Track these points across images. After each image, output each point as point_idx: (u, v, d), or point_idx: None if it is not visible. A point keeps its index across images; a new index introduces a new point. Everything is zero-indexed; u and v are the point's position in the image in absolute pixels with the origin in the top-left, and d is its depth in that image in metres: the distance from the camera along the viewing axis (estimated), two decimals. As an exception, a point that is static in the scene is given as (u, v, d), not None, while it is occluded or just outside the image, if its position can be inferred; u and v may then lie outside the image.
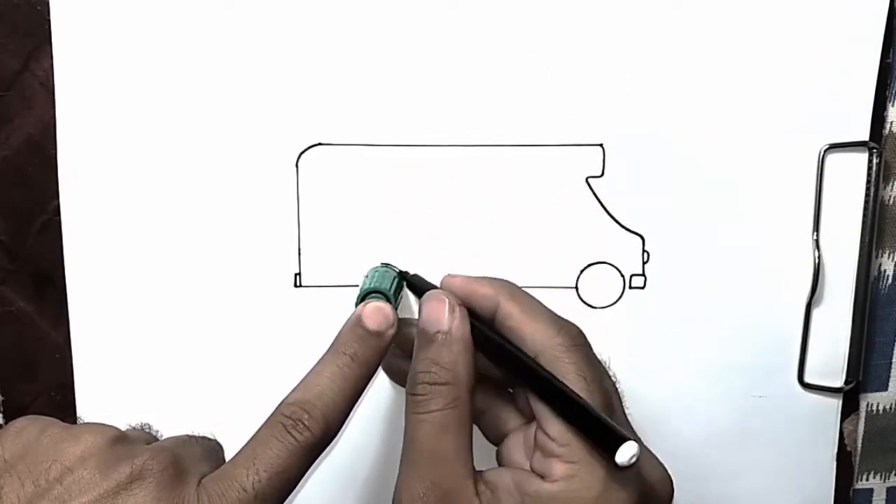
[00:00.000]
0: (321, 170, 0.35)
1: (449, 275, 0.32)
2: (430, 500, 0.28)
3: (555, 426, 0.27)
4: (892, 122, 0.35)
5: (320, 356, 0.30)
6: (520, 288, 0.31)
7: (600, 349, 0.36)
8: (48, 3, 0.34)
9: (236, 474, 0.27)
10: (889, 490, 0.40)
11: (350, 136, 0.35)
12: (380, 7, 0.34)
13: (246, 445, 0.28)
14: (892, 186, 0.36)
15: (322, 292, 0.36)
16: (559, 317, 0.30)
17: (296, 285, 0.36)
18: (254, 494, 0.27)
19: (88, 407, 0.37)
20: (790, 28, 0.34)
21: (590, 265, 0.36)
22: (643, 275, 0.36)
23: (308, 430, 0.28)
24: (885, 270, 0.37)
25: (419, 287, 0.33)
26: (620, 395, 0.31)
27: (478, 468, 0.29)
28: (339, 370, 0.29)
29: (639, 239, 0.36)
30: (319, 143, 0.35)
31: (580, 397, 0.27)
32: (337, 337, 0.31)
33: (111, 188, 0.36)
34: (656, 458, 0.29)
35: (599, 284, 0.36)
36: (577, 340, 0.29)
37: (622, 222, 0.36)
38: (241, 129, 0.35)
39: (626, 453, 0.25)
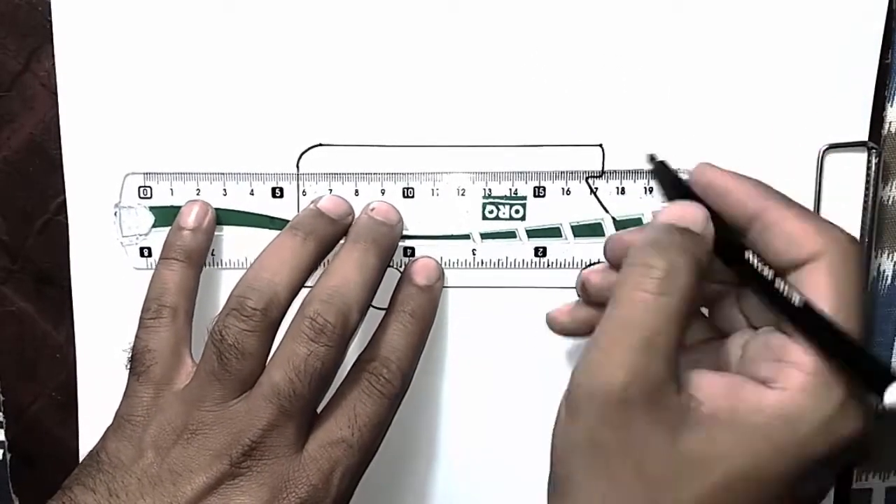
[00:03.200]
0: (322, 170, 0.35)
1: (705, 163, 0.29)
2: (632, 392, 0.25)
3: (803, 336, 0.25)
4: (891, 123, 0.35)
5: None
6: (788, 197, 0.28)
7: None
8: (49, 4, 0.34)
9: (340, 433, 0.30)
10: (888, 490, 0.40)
11: (351, 137, 0.35)
12: (380, 8, 0.34)
13: (339, 402, 0.31)
14: (892, 187, 0.36)
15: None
16: (839, 227, 0.26)
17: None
18: (357, 448, 0.30)
19: (91, 407, 0.37)
20: (789, 28, 0.34)
21: (589, 265, 0.36)
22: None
23: (390, 383, 0.32)
24: (884, 270, 0.37)
25: (666, 180, 0.30)
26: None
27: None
28: (403, 327, 0.33)
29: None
30: (320, 144, 0.35)
31: (830, 320, 0.24)
32: (393, 295, 0.34)
33: (115, 188, 0.36)
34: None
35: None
36: (858, 254, 0.26)
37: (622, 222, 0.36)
38: (241, 129, 0.35)
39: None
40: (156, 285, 0.33)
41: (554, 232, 0.36)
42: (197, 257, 0.34)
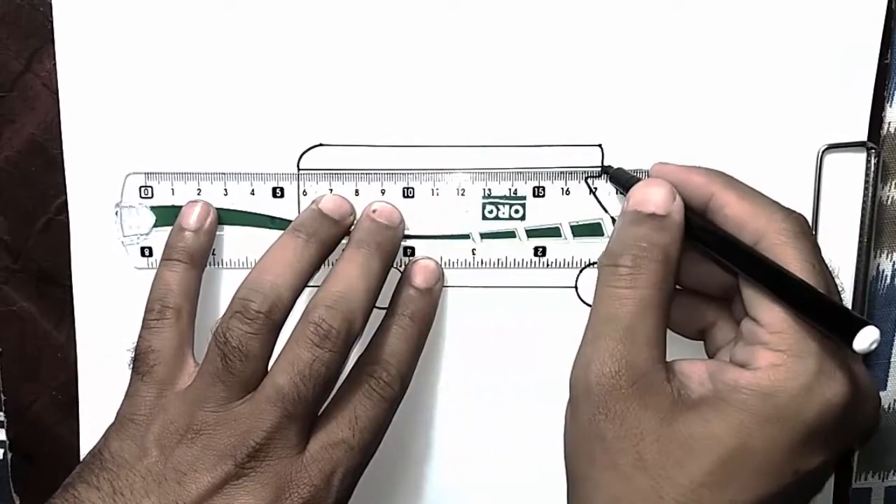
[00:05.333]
0: (322, 170, 0.35)
1: (660, 162, 0.31)
2: (622, 380, 0.26)
3: (768, 312, 0.26)
4: (890, 123, 0.35)
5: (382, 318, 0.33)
6: (734, 177, 0.30)
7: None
8: (50, 4, 0.34)
9: (341, 434, 0.31)
10: (887, 489, 0.40)
11: (351, 137, 0.35)
12: (380, 8, 0.34)
13: (340, 404, 0.32)
14: (891, 187, 0.36)
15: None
16: (782, 204, 0.28)
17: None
18: (357, 449, 0.31)
19: (92, 406, 0.38)
20: (789, 28, 0.34)
21: (589, 265, 0.36)
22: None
23: (389, 386, 0.32)
24: (883, 270, 0.37)
25: (623, 180, 0.32)
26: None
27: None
28: (402, 330, 0.33)
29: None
30: (321, 144, 0.35)
31: (806, 283, 0.25)
32: (393, 297, 0.34)
33: (116, 188, 0.36)
34: (867, 371, 0.27)
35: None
36: (805, 228, 0.27)
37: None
38: (242, 129, 0.35)
39: (866, 338, 0.22)
40: (158, 286, 0.33)
41: (553, 232, 0.36)
42: (199, 258, 0.34)
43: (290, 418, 0.30)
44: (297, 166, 0.35)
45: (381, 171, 0.35)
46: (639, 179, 0.31)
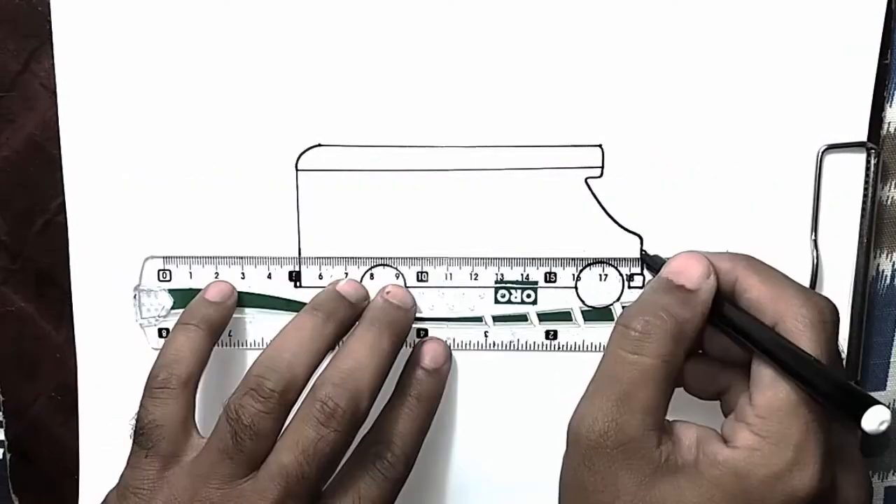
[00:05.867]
0: (321, 171, 0.35)
1: (688, 250, 0.31)
2: (608, 440, 0.27)
3: (763, 395, 0.26)
4: (890, 123, 0.35)
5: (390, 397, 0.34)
6: (761, 261, 0.30)
7: (599, 346, 0.36)
8: (49, 4, 0.34)
9: None
10: (887, 489, 0.40)
11: (350, 137, 0.35)
12: (380, 8, 0.34)
13: (344, 483, 0.31)
14: (890, 187, 0.36)
15: (322, 292, 0.36)
16: (808, 289, 0.29)
17: (295, 286, 0.36)
18: None
19: (91, 407, 0.38)
20: (788, 28, 0.34)
21: (589, 265, 0.36)
22: (642, 274, 0.36)
23: (393, 467, 0.32)
24: (883, 271, 0.37)
25: (660, 265, 0.33)
26: None
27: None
28: (409, 410, 0.33)
29: (637, 239, 0.36)
30: (319, 144, 0.35)
31: (820, 362, 0.25)
32: (401, 377, 0.35)
33: (115, 187, 0.36)
34: (864, 479, 0.28)
35: (598, 284, 0.36)
36: (826, 317, 0.27)
37: (621, 222, 0.36)
38: (241, 129, 0.35)
39: (874, 418, 0.22)
40: (169, 351, 0.33)
41: (565, 316, 0.36)
42: (216, 328, 0.34)
43: (293, 497, 0.30)
44: (296, 167, 0.35)
45: (380, 174, 0.35)
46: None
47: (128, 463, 0.32)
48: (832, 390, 0.25)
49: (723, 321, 0.29)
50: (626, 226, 0.36)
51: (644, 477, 0.27)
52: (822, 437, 0.26)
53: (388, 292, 0.34)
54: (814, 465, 0.26)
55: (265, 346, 0.35)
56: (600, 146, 0.35)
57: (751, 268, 0.29)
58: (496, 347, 0.36)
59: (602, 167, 0.35)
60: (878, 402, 0.23)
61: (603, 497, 0.27)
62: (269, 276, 0.36)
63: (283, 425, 0.31)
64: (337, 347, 0.33)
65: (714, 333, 0.31)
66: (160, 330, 0.37)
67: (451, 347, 0.36)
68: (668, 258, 0.34)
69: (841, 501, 0.27)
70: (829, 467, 0.26)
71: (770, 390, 0.27)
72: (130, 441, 0.32)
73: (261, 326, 0.37)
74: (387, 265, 0.36)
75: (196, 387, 0.33)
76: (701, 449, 0.27)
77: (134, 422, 0.32)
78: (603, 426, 0.27)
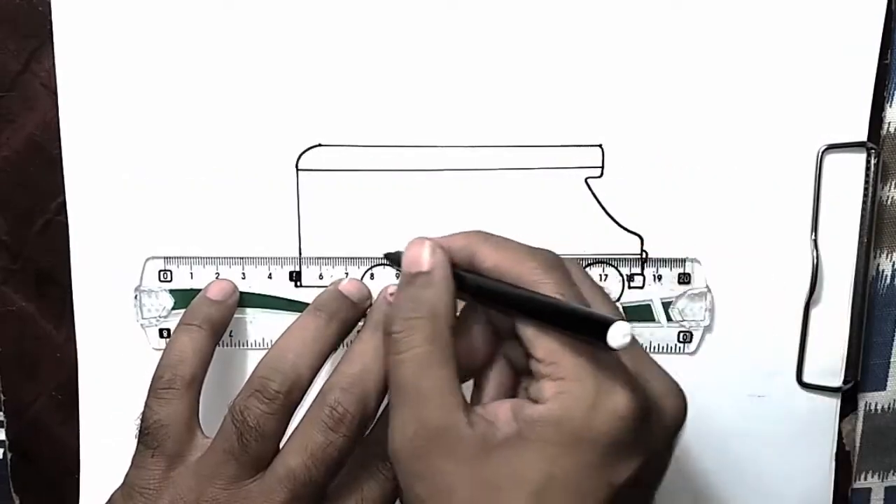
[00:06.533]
0: (321, 171, 0.35)
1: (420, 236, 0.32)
2: (420, 438, 0.27)
3: (540, 347, 0.27)
4: (890, 123, 0.35)
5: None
6: (491, 233, 0.31)
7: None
8: (49, 4, 0.34)
9: None
10: (887, 489, 0.40)
11: (350, 137, 0.35)
12: (380, 8, 0.34)
13: (348, 484, 0.32)
14: (890, 187, 0.36)
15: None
16: (531, 246, 0.29)
17: (296, 286, 0.36)
18: None
19: (91, 406, 0.38)
20: (789, 28, 0.34)
21: (589, 265, 0.36)
22: (642, 274, 0.36)
23: (392, 471, 0.31)
24: (883, 271, 0.37)
25: (398, 259, 0.33)
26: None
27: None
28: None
29: (637, 239, 0.36)
30: (320, 144, 0.35)
31: (553, 298, 0.26)
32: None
33: (115, 187, 0.36)
34: (663, 370, 0.28)
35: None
36: (553, 262, 0.28)
37: (621, 222, 0.36)
38: (241, 129, 0.35)
39: (617, 333, 0.23)
40: (173, 351, 0.33)
41: None
42: (218, 328, 0.34)
43: (299, 499, 0.30)
44: (296, 166, 0.35)
45: (380, 174, 0.35)
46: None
47: (133, 463, 0.32)
48: (577, 322, 0.25)
49: (469, 292, 0.30)
50: (626, 226, 0.36)
51: (470, 459, 0.26)
52: (612, 355, 0.26)
53: (391, 293, 0.34)
54: (619, 382, 0.26)
55: (266, 346, 0.36)
56: (600, 146, 0.35)
57: (482, 240, 0.30)
58: None
59: (602, 167, 0.35)
60: (616, 319, 0.23)
61: (440, 499, 0.26)
62: (270, 276, 0.36)
63: (287, 426, 0.31)
64: (341, 347, 0.33)
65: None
66: (161, 330, 0.37)
67: None
68: (665, 258, 0.34)
69: (655, 397, 0.27)
70: (633, 376, 0.26)
71: (543, 338, 0.27)
72: (135, 441, 0.32)
73: (261, 326, 0.37)
74: (387, 265, 0.36)
75: (200, 387, 0.33)
76: (518, 417, 0.27)
77: (139, 422, 0.32)
78: (411, 430, 0.27)
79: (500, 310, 0.29)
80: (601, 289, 0.30)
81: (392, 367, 0.29)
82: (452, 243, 0.30)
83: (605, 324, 0.23)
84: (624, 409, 0.25)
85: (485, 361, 0.30)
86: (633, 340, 0.26)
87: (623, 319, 0.23)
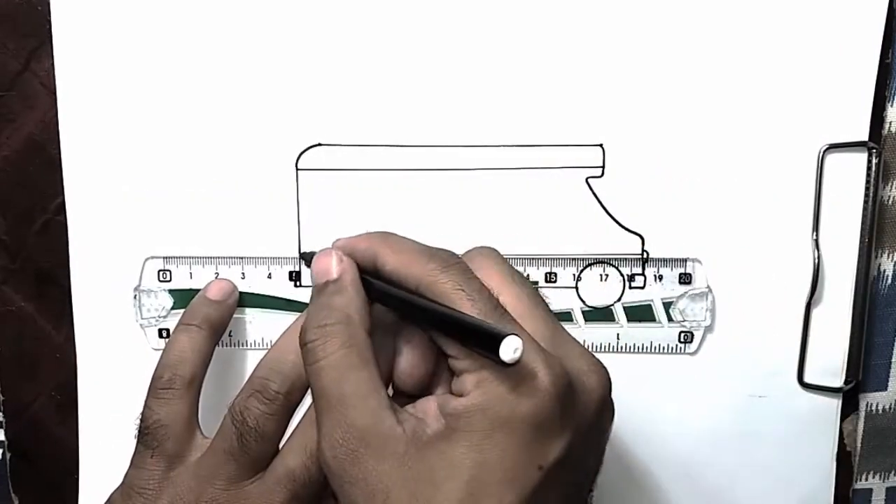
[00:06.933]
0: (321, 170, 0.35)
1: (336, 239, 0.32)
2: (349, 442, 0.27)
3: (450, 345, 0.27)
4: (891, 123, 0.35)
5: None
6: (394, 234, 0.31)
7: (600, 347, 0.36)
8: (49, 3, 0.34)
9: None
10: (889, 490, 0.40)
11: (350, 137, 0.35)
12: (379, 8, 0.34)
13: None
14: (892, 186, 0.36)
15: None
16: (430, 247, 0.29)
17: (296, 286, 0.36)
18: None
19: (90, 406, 0.37)
20: (789, 28, 0.34)
21: (589, 265, 0.36)
22: (643, 274, 0.36)
23: None
24: (884, 270, 0.37)
25: (310, 260, 0.33)
26: (545, 301, 0.30)
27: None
28: None
29: (638, 239, 0.36)
30: (319, 144, 0.35)
31: (449, 308, 0.27)
32: None
33: (115, 187, 0.36)
34: (582, 348, 0.28)
35: (599, 284, 0.36)
36: (450, 261, 0.28)
37: (622, 222, 0.36)
38: (241, 129, 0.35)
39: (508, 349, 0.23)
40: (172, 352, 0.33)
41: (565, 316, 0.36)
42: (218, 327, 0.34)
43: (299, 500, 0.30)
44: (296, 166, 0.35)
45: (380, 173, 0.35)
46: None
47: (132, 463, 0.32)
48: (470, 335, 0.26)
49: (376, 298, 0.30)
50: (626, 226, 0.36)
51: (401, 457, 0.26)
52: (524, 338, 0.26)
53: None
54: (535, 361, 0.26)
55: (265, 346, 0.36)
56: (601, 146, 0.35)
57: (384, 242, 0.30)
58: None
59: (603, 167, 0.35)
60: (509, 334, 0.24)
61: (377, 499, 0.26)
62: (270, 276, 0.36)
63: (286, 426, 0.31)
64: None
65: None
66: (160, 330, 0.37)
67: None
68: (666, 258, 0.34)
69: (576, 374, 0.27)
70: (550, 355, 0.26)
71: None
72: (134, 441, 0.32)
73: (261, 326, 0.37)
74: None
75: (200, 387, 0.33)
76: (445, 413, 0.27)
77: (138, 422, 0.32)
78: (338, 435, 0.27)
79: (403, 316, 0.29)
80: (517, 277, 0.29)
81: (312, 376, 0.28)
82: (356, 245, 0.30)
83: (497, 338, 0.24)
84: (544, 387, 0.26)
85: (427, 366, 0.30)
86: (552, 319, 0.27)
87: (511, 333, 0.24)
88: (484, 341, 0.25)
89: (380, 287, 0.29)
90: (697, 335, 0.37)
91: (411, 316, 0.29)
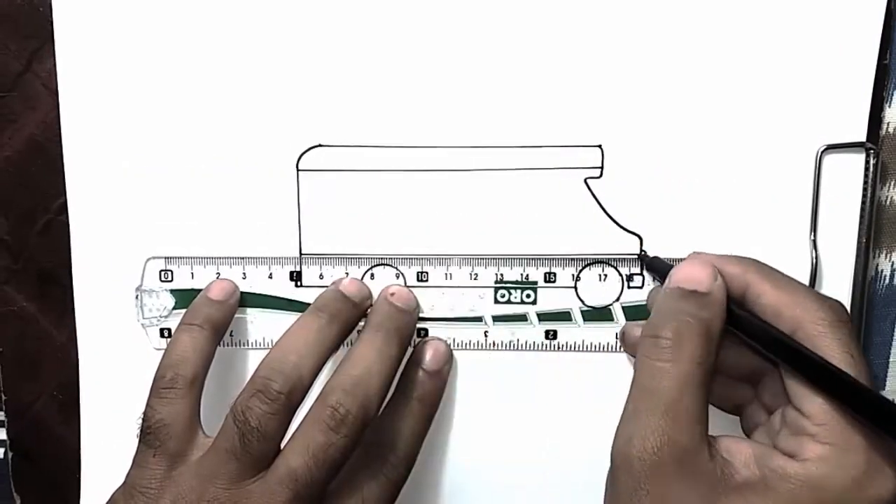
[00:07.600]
0: (322, 171, 0.36)
1: (695, 252, 0.32)
2: (664, 455, 0.26)
3: (813, 404, 0.26)
4: (889, 123, 0.35)
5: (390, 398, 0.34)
6: (768, 265, 0.30)
7: (599, 346, 0.36)
8: (50, 4, 0.34)
9: None
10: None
11: (350, 138, 0.35)
12: (380, 8, 0.34)
13: (348, 484, 0.32)
14: (889, 187, 0.36)
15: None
16: (819, 293, 0.28)
17: (296, 286, 0.36)
18: None
19: (92, 406, 0.38)
20: (788, 29, 0.34)
21: (588, 265, 0.36)
22: (641, 274, 0.36)
23: (396, 469, 0.33)
24: (882, 271, 0.37)
25: (659, 267, 0.33)
26: None
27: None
28: (410, 412, 0.34)
29: (637, 239, 0.36)
30: (320, 145, 0.35)
31: (838, 370, 0.25)
32: (401, 378, 0.35)
33: (116, 187, 0.36)
34: None
35: (598, 284, 0.36)
36: (843, 316, 0.27)
37: (620, 222, 0.36)
38: (242, 130, 0.35)
39: None
40: (174, 351, 0.33)
41: (564, 316, 0.36)
42: (219, 327, 0.35)
43: (300, 499, 0.30)
44: (297, 167, 0.36)
45: (380, 174, 0.35)
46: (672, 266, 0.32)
47: (134, 462, 0.32)
48: (868, 405, 0.24)
49: (741, 329, 0.29)
50: (625, 226, 0.36)
51: (706, 493, 0.26)
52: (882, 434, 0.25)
53: (392, 294, 0.35)
54: (889, 464, 0.25)
55: (267, 346, 0.36)
56: (600, 146, 0.35)
57: (762, 273, 0.29)
58: (496, 347, 0.36)
59: (602, 167, 0.35)
60: None
61: None
62: (270, 276, 0.36)
63: (288, 426, 0.31)
64: (342, 348, 0.34)
65: (721, 348, 0.30)
66: (162, 330, 0.37)
67: (451, 347, 0.36)
68: (666, 259, 0.34)
69: None
70: None
71: (816, 396, 0.26)
72: (136, 440, 0.32)
73: (262, 326, 0.37)
74: (387, 265, 0.36)
75: (202, 387, 0.33)
76: (763, 465, 0.26)
77: (140, 421, 0.32)
78: (655, 442, 0.26)
79: (767, 355, 0.28)
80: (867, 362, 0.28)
81: (647, 371, 0.28)
82: (725, 266, 0.30)
83: None
84: (890, 495, 0.25)
85: (744, 398, 0.30)
86: None
87: None
88: (881, 414, 0.23)
89: (748, 319, 0.28)
90: (696, 335, 0.37)
91: (780, 356, 0.27)
